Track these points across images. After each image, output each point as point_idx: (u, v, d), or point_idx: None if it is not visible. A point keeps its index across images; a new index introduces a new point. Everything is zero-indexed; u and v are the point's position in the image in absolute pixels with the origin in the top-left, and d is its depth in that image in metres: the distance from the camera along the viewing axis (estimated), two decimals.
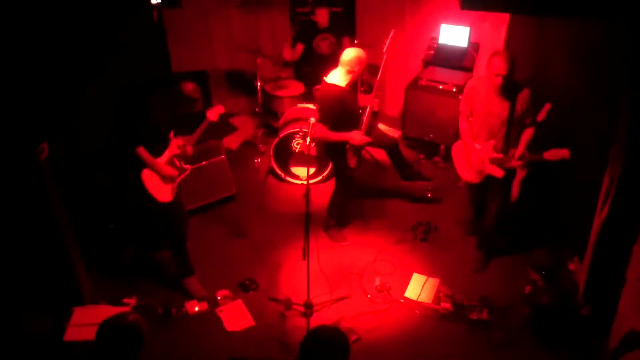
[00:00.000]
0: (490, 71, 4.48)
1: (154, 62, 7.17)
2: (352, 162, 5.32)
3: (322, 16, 6.85)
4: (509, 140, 4.69)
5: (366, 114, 5.29)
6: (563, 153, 4.35)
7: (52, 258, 4.42)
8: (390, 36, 5.33)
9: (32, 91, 3.90)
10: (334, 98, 5.04)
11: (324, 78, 5.19)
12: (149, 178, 4.61)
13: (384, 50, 5.35)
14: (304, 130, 6.11)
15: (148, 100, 4.61)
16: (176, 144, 4.73)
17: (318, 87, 5.29)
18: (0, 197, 3.98)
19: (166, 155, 4.68)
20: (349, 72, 5.04)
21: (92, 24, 4.57)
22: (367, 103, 5.40)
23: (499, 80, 4.44)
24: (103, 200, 5.34)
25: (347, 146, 5.22)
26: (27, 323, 4.20)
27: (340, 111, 5.06)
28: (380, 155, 6.33)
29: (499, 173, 4.72)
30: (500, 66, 4.40)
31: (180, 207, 4.92)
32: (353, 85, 5.25)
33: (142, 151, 4.52)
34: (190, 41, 7.48)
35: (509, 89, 4.53)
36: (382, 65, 5.34)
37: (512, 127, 4.63)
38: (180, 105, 4.62)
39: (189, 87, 4.57)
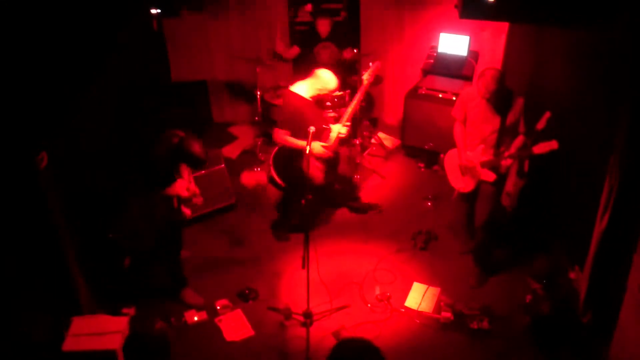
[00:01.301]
0: (477, 89, 4.62)
1: (154, 71, 7.21)
2: (317, 176, 5.41)
3: (323, 26, 6.86)
4: (500, 146, 4.73)
5: (335, 136, 5.39)
6: (551, 145, 4.38)
7: (51, 267, 4.40)
8: (373, 66, 5.38)
9: (33, 101, 3.90)
10: (295, 107, 5.22)
11: (290, 86, 5.35)
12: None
13: (364, 78, 5.39)
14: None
15: (154, 149, 4.49)
16: (185, 187, 4.63)
17: (281, 92, 5.41)
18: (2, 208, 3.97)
19: (170, 191, 4.60)
20: (318, 89, 5.24)
21: (94, 34, 4.58)
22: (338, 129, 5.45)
23: (488, 95, 4.60)
24: (103, 209, 5.33)
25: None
26: (25, 332, 4.18)
27: (300, 121, 5.12)
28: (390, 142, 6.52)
29: (490, 177, 4.73)
30: (486, 89, 4.56)
31: (168, 239, 4.90)
32: (318, 102, 5.42)
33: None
34: (190, 50, 7.51)
35: (501, 99, 4.60)
36: (358, 93, 5.40)
37: (505, 136, 4.67)
38: (185, 162, 4.54)
39: (197, 148, 4.36)
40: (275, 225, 5.96)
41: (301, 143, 5.15)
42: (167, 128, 4.74)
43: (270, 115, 7.22)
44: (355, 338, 2.93)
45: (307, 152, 4.45)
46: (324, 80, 5.23)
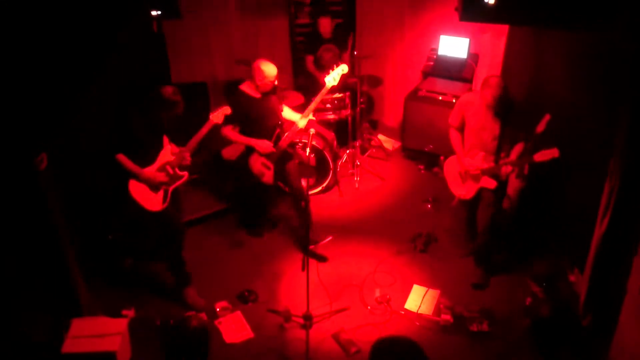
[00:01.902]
0: (481, 97, 4.62)
1: (154, 72, 7.20)
2: (265, 176, 5.43)
3: (324, 26, 6.86)
4: (500, 153, 4.72)
5: (290, 132, 5.42)
6: (552, 153, 4.37)
7: (51, 268, 4.40)
8: (337, 69, 5.25)
9: (33, 102, 3.90)
10: (241, 105, 5.23)
11: (240, 85, 5.35)
12: (135, 187, 4.61)
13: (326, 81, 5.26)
14: (303, 141, 6.11)
15: (127, 109, 4.61)
16: (170, 151, 4.70)
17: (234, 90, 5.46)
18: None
19: (157, 162, 4.66)
20: (260, 81, 5.19)
21: (94, 36, 4.58)
22: (306, 127, 5.35)
23: (491, 103, 4.61)
24: (102, 210, 5.33)
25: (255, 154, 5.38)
26: (25, 333, 4.18)
27: (247, 119, 5.21)
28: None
29: (491, 184, 4.72)
30: (492, 97, 4.56)
31: (172, 217, 4.90)
32: (271, 97, 5.36)
33: (122, 158, 4.52)
34: (190, 52, 7.50)
35: (502, 106, 4.62)
36: (321, 91, 5.29)
37: (505, 143, 4.66)
38: (162, 110, 4.59)
39: (168, 90, 4.54)
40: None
41: (249, 141, 5.29)
42: (167, 130, 4.75)
43: None
44: (397, 337, 2.88)
45: (307, 155, 4.48)
46: (260, 72, 5.16)
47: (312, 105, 5.32)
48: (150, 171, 4.64)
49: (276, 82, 5.28)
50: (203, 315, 4.86)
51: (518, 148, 4.69)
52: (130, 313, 4.80)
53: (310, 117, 5.36)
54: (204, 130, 4.75)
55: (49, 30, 3.93)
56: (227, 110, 4.92)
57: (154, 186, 4.67)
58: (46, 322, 4.35)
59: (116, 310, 4.78)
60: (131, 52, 5.89)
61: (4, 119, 3.69)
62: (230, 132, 5.30)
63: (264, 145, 5.31)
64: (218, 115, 4.84)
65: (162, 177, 4.68)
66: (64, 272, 4.46)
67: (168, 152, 4.70)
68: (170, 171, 4.72)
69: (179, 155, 4.73)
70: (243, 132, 5.32)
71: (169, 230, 4.88)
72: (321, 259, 5.50)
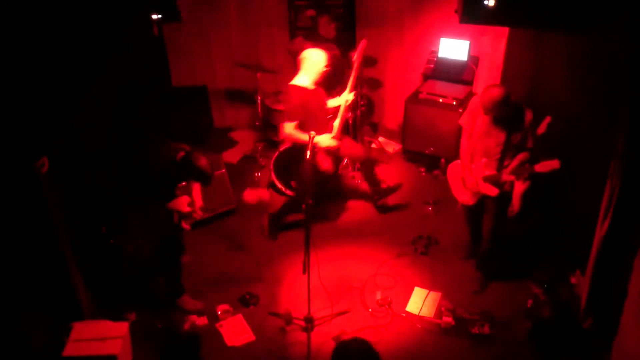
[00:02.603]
0: (481, 104, 4.47)
1: (155, 75, 7.21)
2: (325, 164, 5.40)
3: (323, 25, 6.84)
4: (504, 160, 4.65)
5: (340, 120, 5.40)
6: (553, 164, 4.32)
7: (51, 272, 4.40)
8: (360, 46, 5.35)
9: (34, 105, 3.91)
10: (299, 98, 5.17)
11: (290, 81, 5.31)
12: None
13: (354, 59, 5.36)
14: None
15: (151, 159, 4.48)
16: (186, 202, 4.57)
17: (285, 89, 5.38)
18: (0, 212, 3.97)
19: (170, 206, 4.56)
20: (316, 70, 5.17)
21: (94, 40, 4.59)
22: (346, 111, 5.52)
23: (488, 113, 4.48)
24: (103, 211, 5.33)
25: (315, 149, 5.29)
26: (26, 337, 4.18)
27: (304, 112, 5.15)
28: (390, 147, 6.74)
29: (493, 192, 4.66)
30: (484, 108, 4.43)
31: (169, 247, 4.85)
32: (320, 89, 5.37)
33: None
34: (191, 56, 7.52)
35: (507, 116, 4.49)
36: (353, 70, 5.36)
37: (509, 150, 4.59)
38: (190, 177, 4.54)
39: (202, 162, 4.32)
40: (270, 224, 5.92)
41: (315, 138, 5.14)
42: (167, 132, 4.74)
43: (271, 120, 7.22)
44: (355, 339, 2.96)
45: (308, 157, 4.46)
46: (313, 59, 5.17)
47: (350, 82, 5.38)
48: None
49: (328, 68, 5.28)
50: (195, 318, 4.87)
51: (522, 155, 4.61)
52: (131, 316, 4.81)
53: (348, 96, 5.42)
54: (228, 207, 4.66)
55: (50, 34, 3.94)
56: (264, 194, 4.86)
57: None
58: (47, 325, 4.35)
59: (118, 314, 4.78)
60: (132, 56, 5.91)
61: (4, 120, 3.70)
62: (289, 130, 5.19)
63: (325, 139, 5.29)
64: (252, 196, 4.79)
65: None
66: (65, 275, 4.46)
67: (184, 202, 4.57)
68: (176, 220, 4.66)
69: (192, 207, 4.63)
70: (301, 128, 5.23)
71: (174, 241, 4.89)
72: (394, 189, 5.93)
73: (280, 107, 7.08)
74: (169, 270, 4.97)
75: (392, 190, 6.17)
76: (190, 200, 4.65)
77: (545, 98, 5.48)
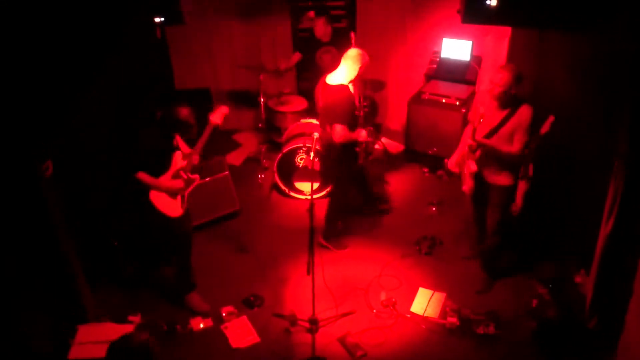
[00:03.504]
0: (491, 82, 4.50)
1: (158, 78, 7.23)
2: (360, 158, 5.48)
3: (319, 27, 6.84)
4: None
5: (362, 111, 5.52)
6: (549, 120, 4.30)
7: (56, 275, 4.41)
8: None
9: (36, 107, 3.92)
10: (347, 98, 5.11)
11: (325, 80, 5.24)
12: (157, 197, 4.59)
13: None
14: (307, 145, 6.12)
15: (143, 131, 4.60)
16: (180, 156, 4.70)
17: (323, 88, 5.32)
18: (4, 215, 3.98)
19: (171, 170, 4.66)
20: (358, 68, 5.10)
21: (97, 43, 4.60)
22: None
23: (496, 91, 4.45)
24: (105, 212, 5.35)
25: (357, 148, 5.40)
26: (31, 340, 4.19)
27: (352, 111, 5.17)
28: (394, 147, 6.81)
29: (472, 167, 4.66)
30: (501, 80, 4.41)
31: (189, 221, 4.90)
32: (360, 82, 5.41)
33: (142, 176, 4.49)
34: (193, 58, 7.54)
35: (509, 102, 4.52)
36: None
37: (495, 134, 4.58)
38: (176, 131, 4.59)
39: (184, 112, 4.50)
40: (326, 236, 5.80)
41: (357, 134, 5.23)
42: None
43: (274, 122, 7.24)
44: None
45: (311, 157, 4.48)
46: (357, 57, 5.10)
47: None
48: (167, 180, 4.60)
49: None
50: (199, 319, 4.88)
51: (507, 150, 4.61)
52: (136, 319, 4.81)
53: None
54: (207, 132, 4.73)
55: (52, 36, 3.96)
56: (224, 109, 4.90)
57: (173, 193, 4.67)
58: (51, 328, 4.36)
59: (122, 316, 4.79)
60: (134, 58, 5.92)
61: (7, 121, 3.71)
62: (344, 133, 5.08)
63: (364, 133, 5.31)
64: (217, 116, 4.83)
65: (179, 183, 4.66)
66: (68, 277, 4.48)
67: (179, 157, 4.69)
68: (184, 176, 4.71)
69: (188, 158, 4.72)
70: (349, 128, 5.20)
71: (185, 234, 4.88)
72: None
73: (283, 108, 7.09)
74: (178, 262, 4.96)
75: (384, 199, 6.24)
76: (182, 153, 4.71)
77: (547, 97, 5.47)
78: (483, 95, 4.79)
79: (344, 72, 5.14)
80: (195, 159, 4.74)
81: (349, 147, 5.32)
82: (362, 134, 5.29)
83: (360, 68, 5.11)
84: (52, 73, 4.00)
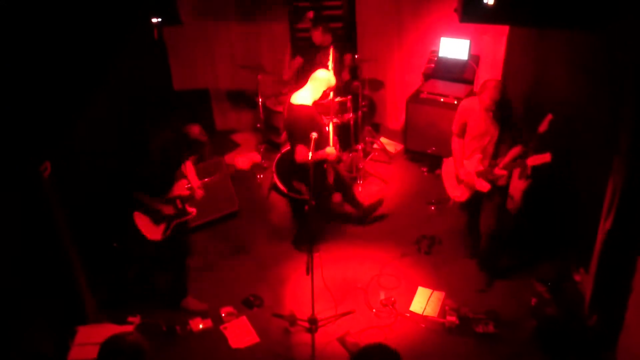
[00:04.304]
0: (480, 101, 4.56)
1: (156, 79, 7.23)
2: (330, 178, 5.43)
3: (316, 37, 6.87)
4: (497, 156, 4.69)
5: (331, 130, 5.46)
6: (545, 157, 4.37)
7: (56, 277, 4.41)
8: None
9: (36, 110, 3.92)
10: (308, 117, 5.07)
11: (290, 100, 5.19)
12: (139, 216, 4.59)
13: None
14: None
15: (151, 146, 4.56)
16: (185, 184, 4.67)
17: (288, 108, 5.27)
18: (4, 216, 3.98)
19: (170, 194, 4.61)
20: (322, 90, 5.14)
21: (94, 44, 4.60)
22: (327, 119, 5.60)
23: (492, 106, 4.54)
24: (107, 217, 5.34)
25: (325, 165, 5.31)
26: (31, 341, 4.19)
27: (313, 130, 4.97)
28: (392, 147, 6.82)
29: (485, 187, 4.70)
30: (491, 100, 4.49)
31: (174, 245, 4.83)
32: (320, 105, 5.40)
33: (140, 196, 4.50)
34: (191, 59, 7.53)
35: (500, 109, 4.57)
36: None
37: (503, 144, 4.63)
38: (187, 150, 4.58)
39: (195, 130, 4.47)
40: (296, 241, 5.83)
41: (325, 152, 5.16)
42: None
43: (272, 122, 7.23)
44: (379, 344, 2.95)
45: (310, 158, 4.45)
46: (323, 80, 5.14)
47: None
48: (158, 202, 4.58)
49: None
50: (199, 320, 4.88)
51: (515, 151, 4.64)
52: (136, 320, 4.81)
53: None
54: (223, 173, 4.69)
55: (51, 38, 3.95)
56: (256, 157, 4.90)
57: (157, 219, 4.63)
58: (51, 329, 4.35)
59: (122, 317, 4.79)
60: (132, 60, 5.91)
61: (8, 126, 3.71)
62: (306, 154, 4.78)
63: (333, 151, 5.26)
64: (243, 161, 4.81)
65: (168, 209, 4.65)
66: (69, 278, 4.47)
67: (182, 185, 4.66)
68: (179, 205, 4.70)
69: (192, 191, 4.70)
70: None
71: (167, 255, 4.90)
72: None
73: (281, 108, 7.09)
74: (174, 270, 4.97)
75: (375, 206, 6.14)
76: (188, 182, 4.69)
77: (546, 95, 5.48)
78: (466, 107, 4.81)
79: (309, 92, 5.17)
80: (199, 194, 4.74)
81: (317, 165, 5.11)
82: (331, 152, 5.21)
83: (324, 91, 5.16)
84: (49, 74, 3.99)
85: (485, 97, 4.51)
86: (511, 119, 4.62)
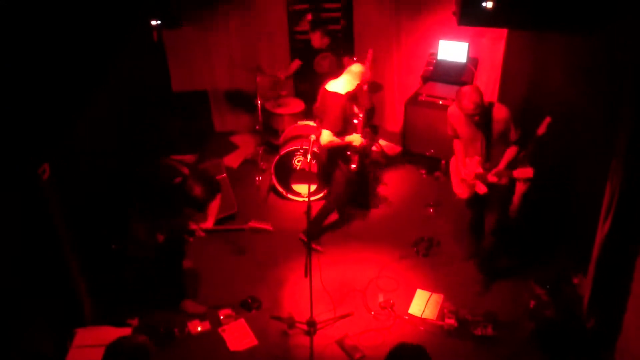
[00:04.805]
0: (461, 109, 4.50)
1: (155, 81, 7.23)
2: (354, 164, 5.58)
3: (315, 40, 6.90)
4: (492, 158, 4.68)
5: (361, 120, 5.68)
6: (527, 172, 4.48)
7: (54, 278, 4.40)
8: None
9: (35, 112, 3.92)
10: (339, 106, 5.29)
11: (325, 87, 5.44)
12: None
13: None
14: (304, 147, 6.12)
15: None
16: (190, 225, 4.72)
17: (321, 93, 5.55)
18: (4, 217, 3.98)
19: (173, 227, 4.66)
20: (356, 82, 5.38)
21: (94, 46, 4.60)
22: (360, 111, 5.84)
23: (476, 111, 4.46)
24: (105, 219, 5.34)
25: (349, 152, 5.51)
26: (29, 344, 4.18)
27: (344, 118, 5.34)
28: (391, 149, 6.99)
29: (482, 189, 4.70)
30: (466, 108, 4.44)
31: (173, 247, 4.87)
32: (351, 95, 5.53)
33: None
34: (190, 61, 7.54)
35: (481, 114, 4.50)
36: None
37: (497, 146, 4.62)
38: (185, 205, 4.57)
39: (197, 190, 4.38)
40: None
41: (348, 139, 5.42)
42: (168, 140, 4.73)
43: (271, 124, 7.24)
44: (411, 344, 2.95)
45: (308, 159, 4.50)
46: (358, 73, 5.36)
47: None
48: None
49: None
50: (197, 322, 4.88)
51: (510, 153, 4.63)
52: (134, 322, 4.80)
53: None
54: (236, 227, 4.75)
55: (50, 40, 3.96)
56: (268, 227, 5.13)
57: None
58: (50, 331, 4.35)
59: (120, 319, 4.78)
60: (131, 62, 5.92)
61: (8, 126, 3.71)
62: (332, 138, 5.36)
63: (358, 139, 5.51)
64: (257, 228, 4.97)
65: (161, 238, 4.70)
66: (67, 280, 4.47)
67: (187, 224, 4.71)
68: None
69: (195, 231, 4.73)
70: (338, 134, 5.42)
71: (169, 255, 4.91)
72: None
73: (280, 110, 7.10)
74: (171, 274, 4.97)
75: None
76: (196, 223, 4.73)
77: (544, 98, 5.48)
78: (452, 113, 4.80)
79: (343, 83, 5.38)
80: (200, 234, 4.77)
81: (341, 151, 5.48)
82: (357, 139, 5.46)
83: (358, 84, 5.40)
84: (49, 75, 4.00)
85: (463, 105, 4.46)
86: (500, 120, 4.58)
